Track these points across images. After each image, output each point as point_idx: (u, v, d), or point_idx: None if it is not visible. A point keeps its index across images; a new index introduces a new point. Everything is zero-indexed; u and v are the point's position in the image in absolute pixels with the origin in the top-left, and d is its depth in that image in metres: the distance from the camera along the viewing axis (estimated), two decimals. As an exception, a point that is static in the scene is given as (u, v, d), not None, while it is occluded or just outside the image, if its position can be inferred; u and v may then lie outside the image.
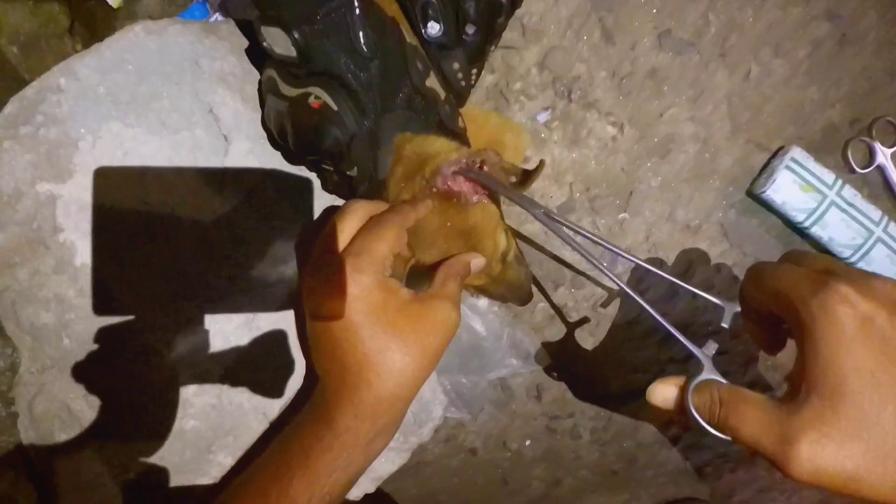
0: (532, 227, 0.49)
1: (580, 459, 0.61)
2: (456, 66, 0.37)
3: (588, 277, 0.50)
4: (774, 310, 0.27)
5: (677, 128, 0.46)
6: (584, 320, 0.51)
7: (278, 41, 0.33)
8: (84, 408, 0.39)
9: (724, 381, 0.28)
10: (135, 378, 0.39)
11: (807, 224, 0.44)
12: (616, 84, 0.46)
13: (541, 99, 0.46)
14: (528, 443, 0.60)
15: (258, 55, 0.43)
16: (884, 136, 0.47)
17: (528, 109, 0.46)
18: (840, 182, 0.44)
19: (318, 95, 0.33)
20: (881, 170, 0.47)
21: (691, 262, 0.49)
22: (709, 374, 0.28)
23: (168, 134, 0.42)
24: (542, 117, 0.46)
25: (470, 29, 0.36)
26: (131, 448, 0.39)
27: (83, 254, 0.39)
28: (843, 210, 0.44)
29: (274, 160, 0.42)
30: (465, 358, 0.50)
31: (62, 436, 0.39)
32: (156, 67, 0.42)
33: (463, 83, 0.38)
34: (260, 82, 0.40)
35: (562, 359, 0.54)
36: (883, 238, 0.45)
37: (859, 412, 0.22)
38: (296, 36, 0.31)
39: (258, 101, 0.42)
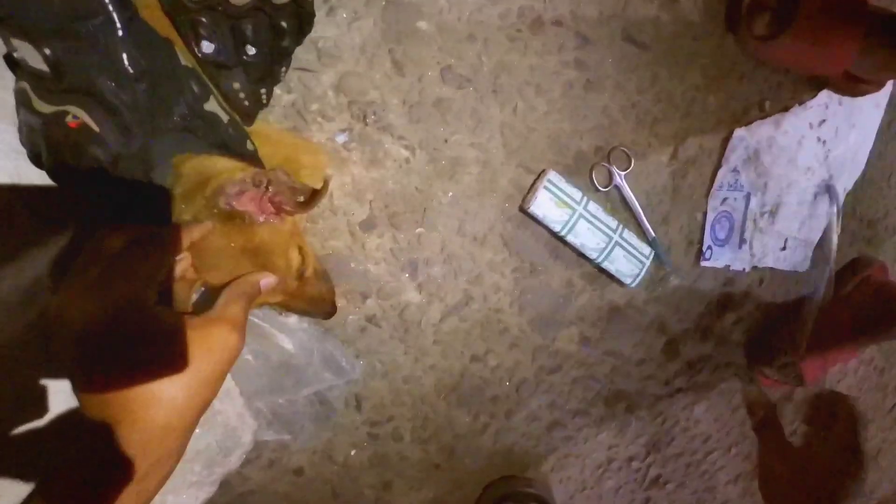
0: (336, 244, 0.51)
1: (406, 460, 0.64)
2: (237, 85, 0.37)
3: (392, 288, 0.53)
4: None
5: (461, 152, 0.52)
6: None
7: (29, 54, 0.30)
8: None
9: None
10: None
11: (563, 233, 0.54)
12: (407, 111, 0.50)
13: (338, 120, 0.49)
14: (353, 452, 0.62)
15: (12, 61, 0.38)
16: (619, 162, 0.59)
17: (326, 130, 0.48)
18: (586, 199, 0.55)
19: (77, 114, 0.30)
20: (618, 189, 0.59)
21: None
22: None
23: None
24: (341, 138, 0.49)
25: (250, 49, 0.37)
26: None
27: None
28: (590, 221, 0.54)
29: (33, 177, 0.37)
30: (277, 378, 0.50)
31: None
32: None
33: (247, 103, 0.38)
34: (14, 92, 0.36)
35: (377, 366, 0.56)
36: (620, 242, 0.56)
37: None
38: (47, 52, 0.29)
39: (12, 112, 0.37)
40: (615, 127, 0.59)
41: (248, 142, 0.39)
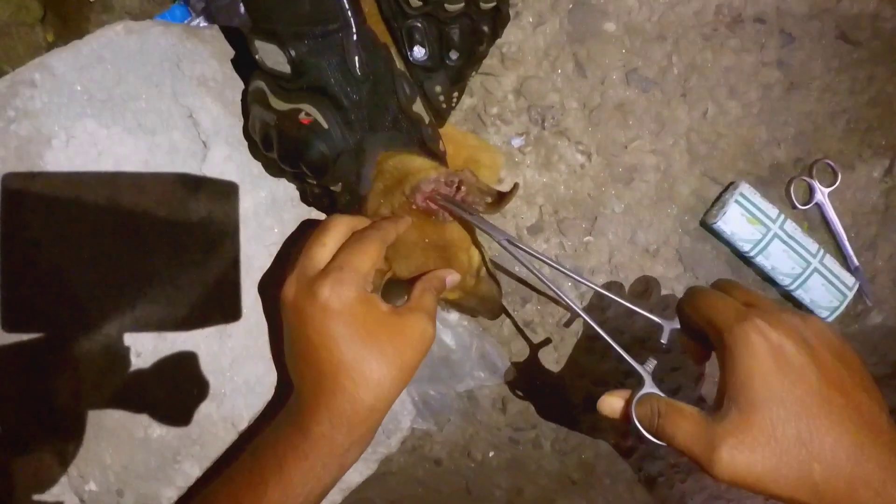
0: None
1: (541, 469, 0.63)
2: (438, 88, 0.39)
3: (551, 297, 0.52)
4: (704, 330, 0.31)
5: (640, 158, 0.49)
6: (547, 341, 0.54)
7: (271, 55, 0.33)
8: (43, 409, 0.38)
9: (662, 394, 0.32)
10: (98, 381, 0.39)
11: (752, 254, 0.48)
12: (586, 114, 0.49)
13: (516, 124, 0.49)
14: (492, 453, 0.62)
15: (241, 62, 0.43)
16: (823, 177, 0.51)
17: (503, 133, 0.49)
18: (783, 217, 0.49)
19: (309, 112, 0.34)
20: (819, 207, 0.51)
21: (648, 285, 0.52)
22: (649, 388, 0.32)
23: (145, 135, 0.41)
24: (517, 142, 0.49)
25: (453, 54, 0.38)
26: (92, 454, 0.39)
27: (49, 254, 0.38)
28: (785, 242, 0.48)
29: (253, 168, 0.42)
30: (435, 369, 0.51)
31: (19, 436, 0.38)
32: (135, 68, 0.42)
33: (444, 105, 0.40)
34: (246, 91, 0.41)
35: (526, 372, 0.56)
36: (819, 269, 0.49)
37: (767, 425, 0.26)
38: (291, 53, 0.32)
39: (239, 108, 0.43)
40: (820, 135, 0.52)
41: (441, 142, 0.40)
